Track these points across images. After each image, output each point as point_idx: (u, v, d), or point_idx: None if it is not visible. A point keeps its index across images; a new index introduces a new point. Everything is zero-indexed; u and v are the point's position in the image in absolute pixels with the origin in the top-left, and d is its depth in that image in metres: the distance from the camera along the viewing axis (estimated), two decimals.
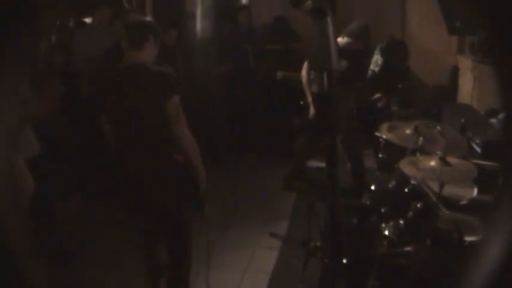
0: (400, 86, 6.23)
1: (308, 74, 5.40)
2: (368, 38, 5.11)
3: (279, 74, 7.02)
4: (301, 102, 5.53)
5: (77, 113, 5.56)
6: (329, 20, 1.62)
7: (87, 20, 6.86)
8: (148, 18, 3.36)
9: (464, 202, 3.40)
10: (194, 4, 7.45)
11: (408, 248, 3.20)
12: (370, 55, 6.17)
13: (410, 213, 3.29)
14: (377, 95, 5.51)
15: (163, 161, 3.23)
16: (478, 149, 4.29)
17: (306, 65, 5.45)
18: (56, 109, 5.09)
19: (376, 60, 6.00)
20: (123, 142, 3.30)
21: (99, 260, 4.35)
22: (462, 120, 4.64)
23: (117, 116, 3.28)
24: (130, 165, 3.28)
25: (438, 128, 3.83)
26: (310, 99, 5.36)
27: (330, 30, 1.63)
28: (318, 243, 3.79)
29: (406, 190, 3.49)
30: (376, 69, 5.88)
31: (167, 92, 3.10)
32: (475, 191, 3.50)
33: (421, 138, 3.70)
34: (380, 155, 4.24)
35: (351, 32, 5.02)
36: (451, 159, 3.21)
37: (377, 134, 4.18)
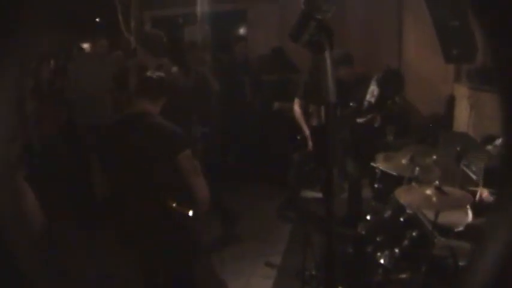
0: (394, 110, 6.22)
1: (301, 108, 5.42)
2: (351, 66, 5.10)
3: (276, 105, 7.02)
4: (298, 137, 5.51)
5: (72, 139, 5.57)
6: (327, 54, 1.64)
7: (85, 45, 6.87)
8: (163, 75, 3.34)
9: (460, 228, 3.39)
10: (193, 34, 7.50)
11: (403, 275, 3.19)
12: (365, 85, 6.19)
13: (406, 242, 3.28)
14: (370, 115, 5.46)
15: (162, 210, 3.06)
16: (474, 177, 4.28)
17: (296, 100, 5.48)
18: (53, 133, 5.11)
19: (372, 91, 6.02)
20: (121, 189, 3.21)
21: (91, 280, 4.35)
22: (458, 148, 4.64)
23: (117, 164, 3.17)
24: (129, 211, 3.19)
25: (434, 157, 3.85)
26: (307, 132, 5.35)
27: (328, 64, 1.64)
28: (313, 272, 3.77)
29: (402, 219, 3.48)
30: (372, 99, 5.89)
31: (178, 148, 3.03)
32: (470, 216, 3.48)
33: (417, 168, 3.71)
34: (376, 185, 4.23)
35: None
36: (446, 188, 3.21)
37: (373, 164, 4.19)
